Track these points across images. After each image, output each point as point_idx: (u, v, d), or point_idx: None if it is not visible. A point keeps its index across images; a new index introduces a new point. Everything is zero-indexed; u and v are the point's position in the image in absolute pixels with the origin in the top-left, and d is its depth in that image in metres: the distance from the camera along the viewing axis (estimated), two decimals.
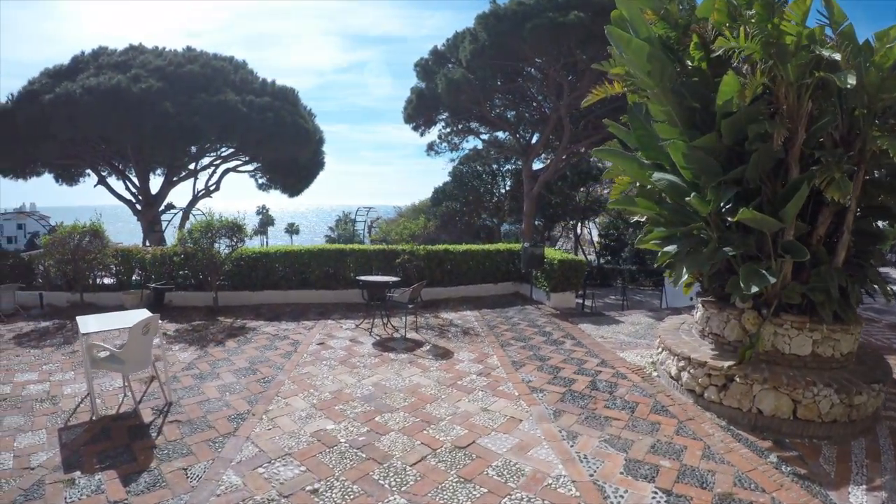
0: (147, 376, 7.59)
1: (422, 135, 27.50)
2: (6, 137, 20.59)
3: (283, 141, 22.19)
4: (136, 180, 25.02)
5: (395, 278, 11.42)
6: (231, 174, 27.35)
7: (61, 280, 13.03)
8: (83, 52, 23.23)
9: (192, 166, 26.02)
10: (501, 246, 15.33)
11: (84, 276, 12.71)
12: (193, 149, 23.97)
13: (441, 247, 14.28)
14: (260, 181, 28.29)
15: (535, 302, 13.86)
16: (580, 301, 14.15)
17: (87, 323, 6.77)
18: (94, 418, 6.18)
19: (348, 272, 13.49)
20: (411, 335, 10.35)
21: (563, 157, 25.50)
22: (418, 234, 13.75)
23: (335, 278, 13.52)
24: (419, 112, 25.65)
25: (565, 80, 21.89)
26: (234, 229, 12.59)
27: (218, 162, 26.37)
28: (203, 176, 26.64)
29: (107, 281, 13.58)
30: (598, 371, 8.26)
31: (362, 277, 11.45)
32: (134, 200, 24.93)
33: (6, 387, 7.27)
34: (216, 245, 12.42)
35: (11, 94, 21.55)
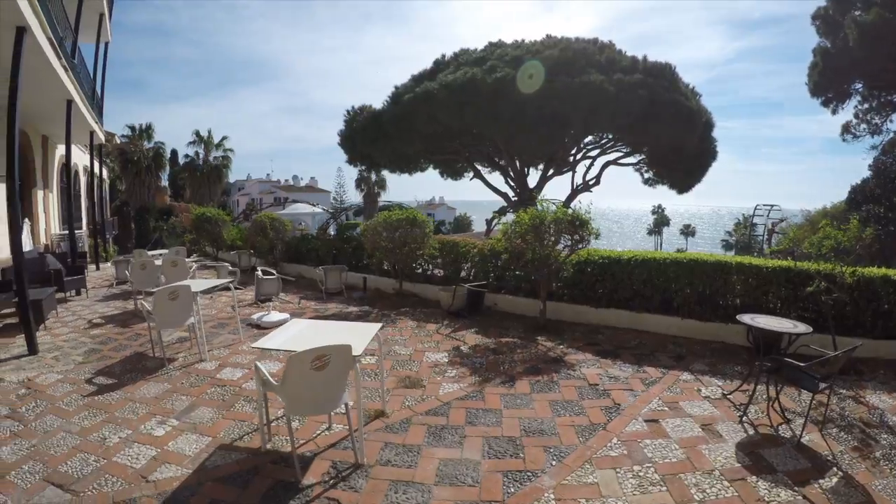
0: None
1: (833, 112, 21.72)
2: (377, 137, 21.69)
3: (660, 123, 17.95)
4: (512, 174, 23.85)
5: (801, 327, 6.28)
6: (612, 168, 24.00)
7: (388, 266, 13.24)
8: (444, 56, 22.87)
9: (571, 158, 23.72)
10: None
11: (405, 265, 12.35)
12: (571, 140, 21.53)
13: (876, 270, 8.32)
14: (645, 175, 24.12)
15: None
16: None
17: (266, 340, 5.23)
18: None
19: (732, 297, 8.90)
20: (810, 437, 5.34)
21: None
22: (849, 247, 8.33)
23: (710, 305, 9.03)
24: (827, 80, 19.47)
25: None
26: (574, 225, 9.20)
27: (595, 153, 23.22)
28: (581, 169, 23.88)
29: (439, 273, 13.10)
30: None
31: (748, 318, 6.59)
32: (512, 194, 23.88)
33: None
34: (550, 242, 9.30)
35: (385, 101, 22.50)
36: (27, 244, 14.77)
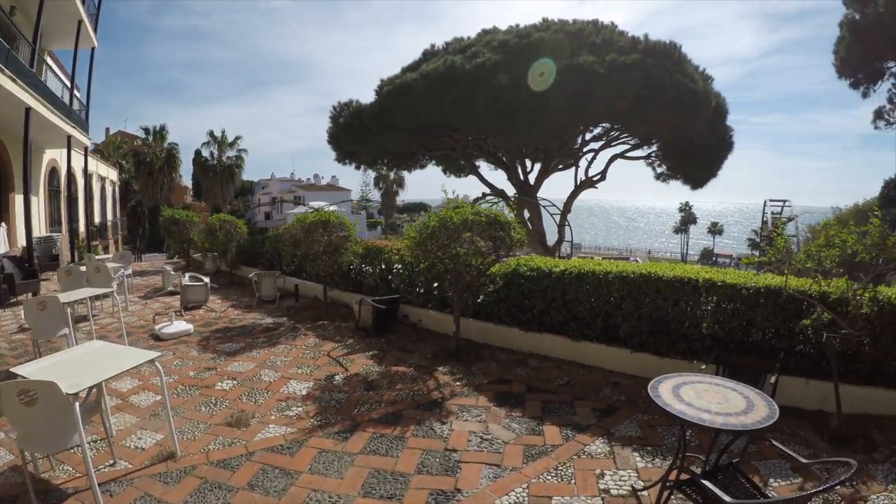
0: None
1: (864, 95, 19.04)
2: (359, 134, 19.95)
3: (660, 108, 15.40)
4: (508, 169, 21.96)
5: (758, 408, 3.69)
6: (620, 161, 21.57)
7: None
8: (433, 45, 20.93)
9: (574, 151, 21.54)
10: None
11: (330, 271, 10.41)
12: (563, 129, 19.07)
13: None
14: (658, 170, 21.68)
15: None
16: None
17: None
18: None
19: (703, 325, 6.34)
20: None
21: None
22: (867, 259, 5.61)
23: (668, 335, 6.53)
24: (856, 57, 16.68)
25: None
26: (492, 226, 7.01)
27: (598, 146, 20.82)
28: (595, 166, 21.88)
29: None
30: None
31: (666, 390, 3.90)
32: (517, 191, 21.76)
33: None
34: (462, 250, 7.05)
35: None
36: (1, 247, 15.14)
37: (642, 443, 4.98)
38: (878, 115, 20.79)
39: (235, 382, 6.60)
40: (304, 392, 6.32)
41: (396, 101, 17.52)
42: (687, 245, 67.34)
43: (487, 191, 22.50)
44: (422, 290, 8.88)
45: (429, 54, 20.06)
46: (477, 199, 20.21)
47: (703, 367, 5.76)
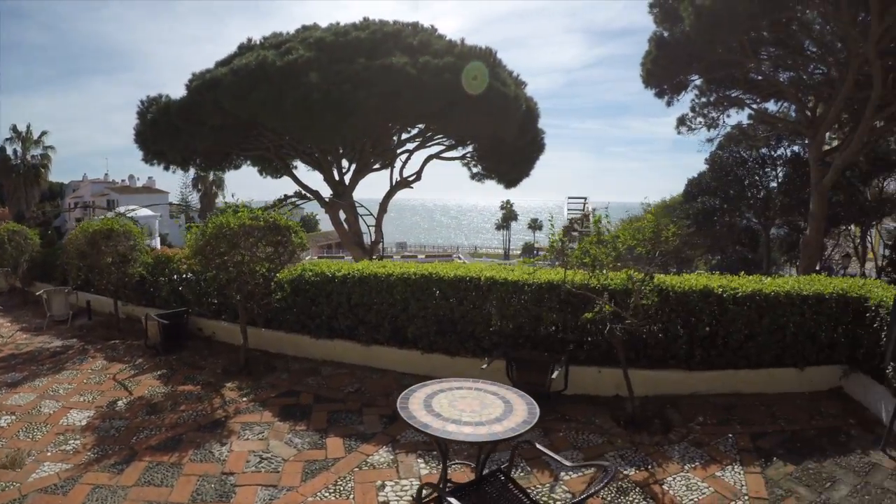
0: None
1: (668, 104, 20.44)
2: (167, 132, 18.02)
3: (471, 110, 15.70)
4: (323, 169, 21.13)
5: (518, 412, 3.82)
6: (442, 161, 21.73)
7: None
8: (250, 39, 19.66)
9: (389, 151, 21.16)
10: (824, 285, 6.47)
11: (105, 283, 9.45)
12: (376, 129, 18.68)
13: (693, 280, 6.37)
14: (474, 170, 22.01)
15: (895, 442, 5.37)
16: None
17: None
18: None
19: (487, 323, 6.41)
20: None
21: (877, 124, 17.88)
22: (644, 254, 5.92)
23: (457, 334, 6.60)
24: (662, 69, 18.13)
25: None
26: (272, 230, 6.70)
27: (412, 146, 20.74)
28: (401, 165, 21.45)
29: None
30: None
31: (416, 404, 3.91)
32: (333, 192, 21.07)
33: None
34: (241, 256, 6.71)
35: None
36: None
37: (428, 448, 4.94)
38: (682, 121, 22.84)
39: (14, 418, 5.92)
40: (83, 422, 5.77)
41: (205, 96, 16.33)
42: (509, 241, 70.28)
43: (292, 193, 21.86)
44: (215, 301, 8.33)
45: (244, 48, 18.83)
46: (278, 202, 19.63)
47: (484, 366, 5.85)
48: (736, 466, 4.83)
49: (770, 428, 5.60)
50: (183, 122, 17.23)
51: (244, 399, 6.13)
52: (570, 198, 34.09)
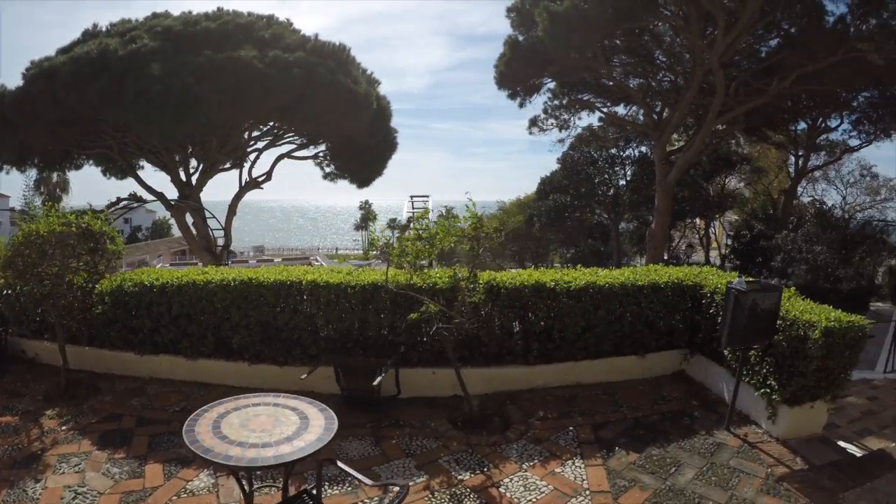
0: None
1: (521, 105, 20.84)
2: (2, 127, 16.43)
3: (320, 107, 15.45)
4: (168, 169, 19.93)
5: (314, 428, 3.76)
6: (296, 161, 21.31)
7: None
8: (96, 25, 18.25)
9: (240, 150, 20.35)
10: (659, 275, 6.80)
11: None
12: (222, 125, 17.55)
13: (526, 275, 6.55)
14: (326, 169, 21.62)
15: (737, 420, 5.78)
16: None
17: None
18: None
19: (315, 328, 6.33)
20: None
21: (718, 127, 19.14)
22: (468, 251, 5.85)
23: (283, 342, 6.41)
24: (515, 71, 18.52)
25: (719, 8, 14.67)
26: (87, 237, 6.26)
27: (262, 144, 20.13)
28: (250, 165, 20.91)
29: None
30: None
31: (203, 432, 3.62)
32: (179, 193, 20.05)
33: None
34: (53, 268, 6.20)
35: None
36: None
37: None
38: (533, 123, 23.34)
39: None
40: None
41: (41, 87, 15.09)
42: (368, 241, 70.60)
43: (126, 195, 20.59)
44: (36, 319, 7.44)
45: (88, 35, 17.55)
46: (110, 206, 18.48)
47: (304, 376, 5.73)
48: (577, 460, 4.89)
49: (612, 417, 5.77)
50: (17, 115, 15.82)
51: (63, 428, 5.58)
52: (412, 196, 34.25)
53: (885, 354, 10.40)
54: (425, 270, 5.77)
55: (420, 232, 5.77)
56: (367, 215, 68.61)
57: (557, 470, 4.74)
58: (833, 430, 6.10)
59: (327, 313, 6.16)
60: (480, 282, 5.88)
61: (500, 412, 5.79)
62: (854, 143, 25.15)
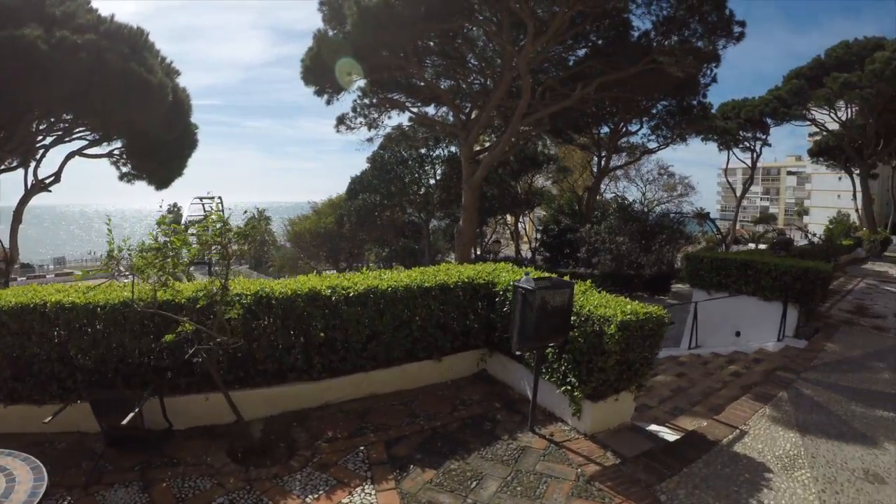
0: None
1: (328, 103, 19.91)
2: None
3: (110, 98, 14.01)
4: None
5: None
6: (80, 160, 19.08)
7: None
8: None
9: (28, 145, 17.71)
10: (449, 275, 6.66)
11: None
12: (18, 120, 15.77)
13: (299, 283, 5.94)
14: (123, 169, 19.71)
15: (543, 418, 5.72)
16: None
17: None
18: None
19: (71, 358, 5.28)
20: None
21: (524, 129, 20.21)
22: (219, 259, 5.22)
23: (34, 376, 5.24)
24: (322, 69, 17.79)
25: (530, 17, 15.19)
26: None
27: (49, 141, 17.84)
28: (35, 164, 18.25)
29: None
30: None
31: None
32: None
33: None
34: None
35: None
36: None
37: None
38: (341, 121, 22.89)
39: None
40: None
41: None
42: (107, 251, 67.23)
43: None
44: None
45: None
46: None
47: (49, 418, 4.76)
48: (367, 486, 4.46)
49: (408, 430, 5.42)
50: None
51: None
52: (196, 197, 31.96)
53: (689, 333, 11.55)
54: (169, 284, 4.97)
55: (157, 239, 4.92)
56: (176, 219, 64.29)
57: (344, 501, 4.31)
58: (645, 413, 6.29)
59: (77, 340, 5.26)
60: (247, 293, 5.38)
61: (285, 436, 5.26)
62: (653, 145, 28.13)
